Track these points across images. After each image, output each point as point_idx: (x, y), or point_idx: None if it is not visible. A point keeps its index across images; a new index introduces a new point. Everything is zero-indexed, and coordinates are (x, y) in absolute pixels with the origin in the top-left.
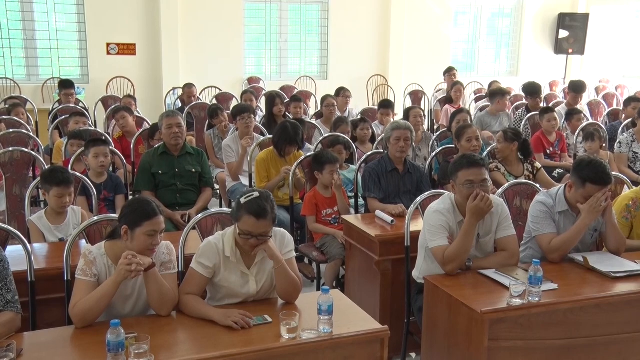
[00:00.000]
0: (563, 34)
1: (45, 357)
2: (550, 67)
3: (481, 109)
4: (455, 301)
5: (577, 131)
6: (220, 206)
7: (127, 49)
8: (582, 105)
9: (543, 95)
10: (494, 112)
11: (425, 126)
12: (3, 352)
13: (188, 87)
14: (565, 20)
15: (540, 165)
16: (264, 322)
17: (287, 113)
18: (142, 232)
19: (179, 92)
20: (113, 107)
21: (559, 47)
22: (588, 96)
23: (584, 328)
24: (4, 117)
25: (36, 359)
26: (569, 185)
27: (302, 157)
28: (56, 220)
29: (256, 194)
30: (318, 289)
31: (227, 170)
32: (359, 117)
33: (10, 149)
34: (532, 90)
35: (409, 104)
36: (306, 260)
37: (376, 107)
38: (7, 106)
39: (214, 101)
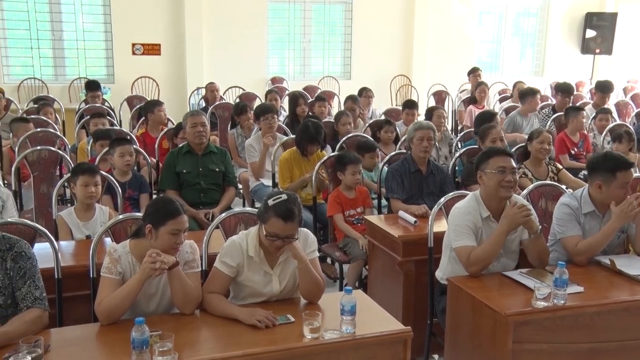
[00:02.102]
0: (590, 33)
1: (72, 353)
2: (576, 68)
3: (507, 110)
4: (479, 303)
5: (605, 132)
6: (243, 206)
7: (152, 49)
8: (610, 106)
9: (570, 99)
10: (524, 113)
11: (449, 126)
12: (31, 347)
13: (211, 85)
14: (593, 19)
15: (562, 166)
16: (287, 322)
17: (310, 113)
18: (166, 231)
19: (203, 92)
20: (137, 106)
21: (586, 46)
22: (615, 97)
23: (611, 332)
24: (33, 116)
25: (63, 355)
26: (598, 187)
27: (325, 157)
28: (84, 216)
29: (284, 196)
30: (341, 289)
31: (249, 169)
32: (382, 117)
33: (38, 147)
34: (566, 88)
35: (432, 104)
36: (329, 261)
37: (399, 108)
38: (35, 106)
39: (238, 101)
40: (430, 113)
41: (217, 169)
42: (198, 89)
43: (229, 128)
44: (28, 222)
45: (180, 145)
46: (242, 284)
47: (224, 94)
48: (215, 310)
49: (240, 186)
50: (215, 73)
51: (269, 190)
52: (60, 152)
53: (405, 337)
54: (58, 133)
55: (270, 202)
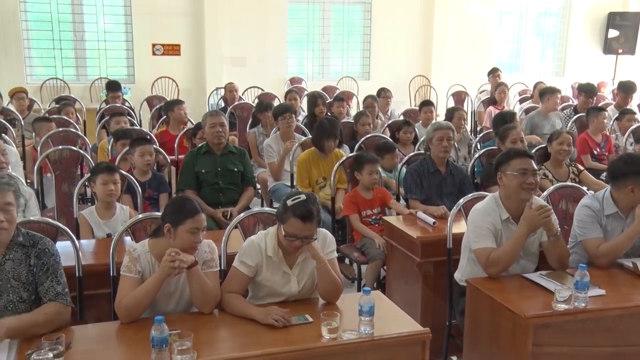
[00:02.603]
0: (613, 33)
1: (93, 351)
2: (598, 68)
3: (527, 111)
4: (499, 305)
5: (628, 133)
6: (262, 205)
7: (171, 50)
8: (632, 107)
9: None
10: (544, 112)
11: (468, 127)
12: (52, 345)
13: (230, 86)
14: (616, 19)
15: (583, 167)
16: (305, 322)
17: (329, 114)
18: (185, 230)
19: (222, 92)
20: (157, 106)
21: (609, 47)
22: (638, 97)
23: (634, 335)
24: (54, 116)
25: (84, 353)
26: (631, 190)
27: (344, 158)
28: (105, 215)
29: (303, 196)
30: (359, 289)
31: (268, 169)
32: (400, 118)
33: (60, 147)
34: (589, 89)
35: (451, 105)
36: (347, 261)
37: (417, 108)
38: (57, 106)
39: (256, 101)
40: (450, 114)
41: (235, 169)
42: (217, 89)
43: (248, 128)
44: (50, 220)
45: (199, 145)
46: (261, 284)
47: (242, 94)
48: (234, 309)
49: (258, 186)
50: (234, 73)
51: (287, 190)
52: (81, 151)
53: (423, 339)
54: (79, 133)
55: (289, 202)
